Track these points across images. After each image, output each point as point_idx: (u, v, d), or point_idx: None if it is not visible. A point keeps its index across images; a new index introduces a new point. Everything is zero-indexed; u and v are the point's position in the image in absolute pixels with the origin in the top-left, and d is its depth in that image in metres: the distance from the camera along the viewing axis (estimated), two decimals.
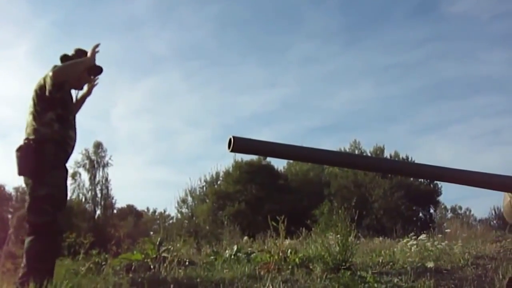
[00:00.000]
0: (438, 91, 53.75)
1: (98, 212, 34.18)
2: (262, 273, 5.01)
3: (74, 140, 4.61)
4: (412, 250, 6.96)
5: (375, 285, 4.04)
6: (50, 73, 4.33)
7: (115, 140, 57.84)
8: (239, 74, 56.78)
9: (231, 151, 1.94)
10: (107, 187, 35.51)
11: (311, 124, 56.14)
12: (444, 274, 5.36)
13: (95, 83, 4.95)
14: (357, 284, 4.17)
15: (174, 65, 58.68)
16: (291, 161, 37.48)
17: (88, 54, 4.56)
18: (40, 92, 4.42)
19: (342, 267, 5.32)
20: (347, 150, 34.38)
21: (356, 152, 33.91)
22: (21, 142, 4.37)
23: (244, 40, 58.07)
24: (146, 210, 45.60)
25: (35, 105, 4.41)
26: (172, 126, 57.58)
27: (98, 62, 4.63)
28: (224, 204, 27.44)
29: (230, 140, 1.86)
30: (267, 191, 27.45)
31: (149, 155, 59.84)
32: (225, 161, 41.02)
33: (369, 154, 33.16)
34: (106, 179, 35.64)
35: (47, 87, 4.34)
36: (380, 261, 6.07)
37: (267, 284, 3.88)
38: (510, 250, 7.11)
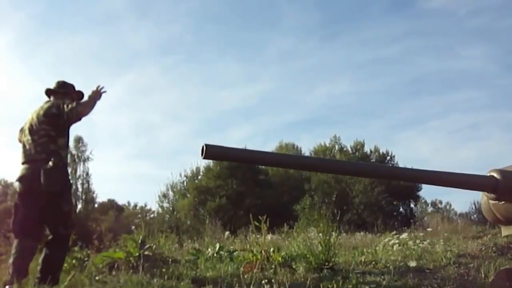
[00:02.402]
0: (417, 87, 54.14)
1: (79, 206, 33.93)
2: (245, 272, 5.00)
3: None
4: (394, 248, 6.99)
5: (358, 285, 4.05)
6: (76, 108, 4.96)
7: (95, 134, 57.41)
8: (218, 70, 56.76)
9: (204, 158, 2.07)
10: (88, 182, 35.32)
11: (291, 118, 56.35)
12: (426, 273, 5.39)
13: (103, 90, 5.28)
14: (340, 285, 4.17)
15: (152, 60, 58.54)
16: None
17: (94, 93, 5.12)
18: (54, 120, 5.03)
19: (325, 266, 5.32)
20: (327, 145, 34.49)
21: (336, 147, 34.04)
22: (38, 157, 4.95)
23: (221, 36, 58.14)
24: (127, 205, 45.40)
25: (47, 132, 5.00)
26: (151, 121, 57.45)
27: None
28: (205, 199, 27.36)
29: (202, 147, 1.97)
30: (248, 186, 27.42)
31: (129, 149, 59.70)
32: None
33: (349, 149, 33.29)
34: (87, 174, 35.45)
35: (71, 119, 5.02)
36: (363, 260, 6.08)
37: (251, 284, 3.87)
38: (492, 248, 7.17)
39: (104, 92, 5.22)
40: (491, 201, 3.20)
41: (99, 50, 58.58)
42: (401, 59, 53.82)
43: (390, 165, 31.55)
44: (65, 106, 5.02)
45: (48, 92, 5.45)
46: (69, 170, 5.58)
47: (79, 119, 5.09)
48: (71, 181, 5.45)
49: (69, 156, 5.59)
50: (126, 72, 60.77)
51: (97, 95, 5.14)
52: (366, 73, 55.30)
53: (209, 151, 2.04)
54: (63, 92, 5.40)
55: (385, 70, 55.00)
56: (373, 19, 54.93)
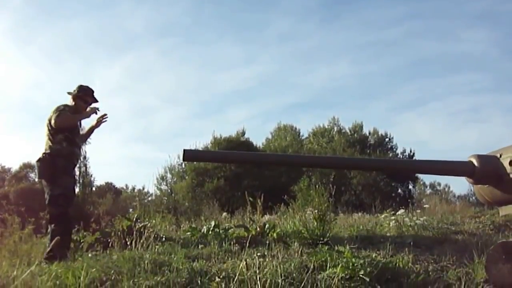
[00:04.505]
0: (417, 69, 53.90)
1: (77, 190, 33.81)
2: (238, 248, 4.95)
3: (79, 155, 6.49)
4: (391, 225, 6.93)
5: (353, 259, 3.99)
6: (53, 119, 5.88)
7: (92, 117, 57.16)
8: (216, 52, 56.44)
9: (184, 160, 2.55)
10: (85, 165, 35.16)
11: (290, 100, 56.17)
12: (422, 249, 5.35)
13: (105, 119, 6.36)
14: (334, 259, 4.12)
15: (149, 43, 58.27)
16: (269, 137, 37.50)
17: (87, 112, 6.21)
18: (51, 121, 5.93)
19: (320, 242, 5.28)
20: (326, 127, 34.34)
21: (335, 128, 33.92)
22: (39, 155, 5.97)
23: (220, 18, 57.82)
24: (125, 187, 45.30)
25: (49, 130, 5.97)
26: (149, 104, 57.25)
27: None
28: (203, 181, 27.30)
29: (183, 152, 2.35)
30: (246, 167, 27.35)
31: (127, 132, 59.37)
32: (204, 138, 40.82)
33: (348, 131, 33.17)
34: (85, 157, 35.29)
35: (53, 125, 5.89)
36: (358, 236, 6.04)
37: (243, 259, 3.82)
38: (489, 226, 7.13)
39: (104, 121, 6.34)
40: (474, 185, 3.22)
41: (96, 34, 58.32)
42: (402, 41, 53.51)
43: (389, 146, 31.62)
44: (57, 112, 5.95)
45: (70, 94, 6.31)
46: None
47: (59, 128, 5.92)
48: (73, 168, 6.28)
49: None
50: (124, 55, 60.58)
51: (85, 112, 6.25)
52: (367, 55, 55.08)
53: (188, 154, 2.41)
54: (77, 95, 6.25)
55: (385, 52, 54.72)
56: (374, 1, 54.61)
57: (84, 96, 6.28)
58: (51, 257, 5.30)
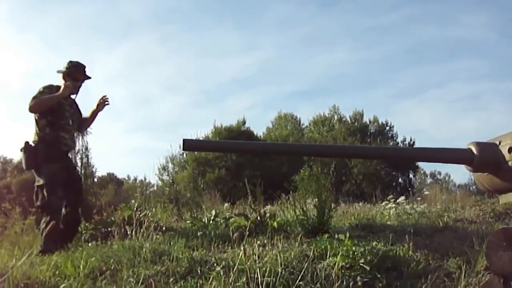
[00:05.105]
0: (417, 55, 53.94)
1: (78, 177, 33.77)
2: (239, 236, 4.94)
3: (68, 140, 5.90)
4: (391, 213, 6.93)
5: (353, 248, 3.99)
6: (28, 104, 5.59)
7: (92, 107, 57.12)
8: (216, 38, 56.55)
9: (183, 150, 2.65)
10: (87, 156, 35.12)
11: (290, 88, 56.42)
12: (423, 237, 5.34)
13: (106, 101, 6.11)
14: (334, 247, 4.11)
15: (149, 30, 58.40)
16: (270, 126, 37.46)
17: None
18: None
19: (321, 230, 5.27)
20: (326, 115, 34.33)
21: (335, 117, 33.90)
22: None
23: (219, 3, 57.47)
24: (126, 178, 45.32)
25: (34, 115, 5.70)
26: (150, 92, 57.32)
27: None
28: (204, 171, 27.30)
29: (182, 141, 2.38)
30: (247, 157, 27.34)
31: (128, 122, 59.52)
32: (205, 127, 40.86)
33: (348, 120, 33.13)
34: (86, 148, 35.23)
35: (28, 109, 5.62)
36: (359, 224, 6.03)
37: (243, 248, 3.81)
38: (489, 213, 7.12)
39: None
40: (473, 173, 3.19)
41: (95, 21, 58.24)
42: (400, 26, 53.59)
43: (390, 135, 31.59)
44: (37, 94, 5.68)
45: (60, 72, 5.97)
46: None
47: (36, 113, 5.70)
48: (62, 154, 5.91)
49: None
50: (123, 43, 60.48)
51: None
52: (366, 41, 55.17)
53: (187, 144, 2.43)
54: (67, 72, 5.91)
55: (384, 38, 54.84)
56: None
57: (75, 74, 5.94)
58: (41, 251, 5.25)
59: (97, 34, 59.57)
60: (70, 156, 6.29)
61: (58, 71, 5.94)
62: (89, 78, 6.05)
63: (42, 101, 5.62)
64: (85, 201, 7.69)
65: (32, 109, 5.63)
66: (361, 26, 54.30)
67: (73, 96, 6.12)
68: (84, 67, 6.00)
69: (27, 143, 5.64)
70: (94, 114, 6.23)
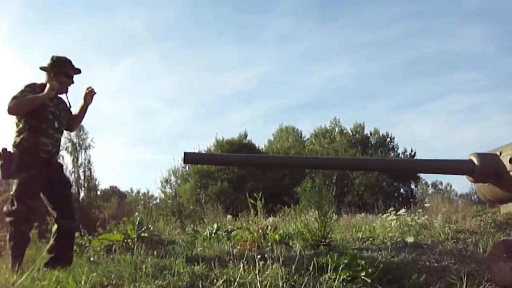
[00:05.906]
0: (417, 68, 54.14)
1: (82, 194, 33.90)
2: (240, 250, 4.95)
3: (49, 145, 5.14)
4: (392, 225, 6.93)
5: (355, 261, 3.99)
6: (7, 104, 4.92)
7: (96, 122, 57.38)
8: (216, 54, 56.80)
9: (184, 163, 2.67)
10: (90, 169, 35.20)
11: (290, 101, 56.44)
12: (424, 248, 5.34)
13: (93, 92, 5.47)
14: (336, 260, 4.11)
15: (150, 46, 58.72)
16: (271, 139, 37.50)
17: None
18: None
19: (322, 243, 5.28)
20: (327, 127, 34.38)
21: (336, 129, 33.94)
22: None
23: (219, 19, 58.08)
24: (129, 191, 45.42)
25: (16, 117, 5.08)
26: (151, 107, 57.44)
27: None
28: (207, 183, 27.35)
29: (184, 154, 2.46)
30: (249, 169, 27.38)
31: (130, 136, 59.68)
32: (207, 140, 40.96)
33: (349, 132, 33.18)
34: (89, 161, 35.33)
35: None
36: (360, 236, 6.04)
37: (245, 261, 3.82)
38: (490, 224, 7.12)
39: (94, 94, 5.45)
40: (475, 184, 3.21)
41: (96, 38, 58.48)
42: (400, 40, 53.79)
43: (390, 146, 31.61)
44: (18, 93, 5.01)
45: (43, 69, 5.34)
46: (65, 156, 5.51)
47: (15, 115, 5.07)
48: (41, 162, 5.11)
49: (66, 142, 5.57)
50: (124, 59, 60.71)
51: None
52: (365, 55, 55.48)
53: (188, 157, 2.53)
54: (54, 70, 5.28)
55: (384, 52, 55.05)
56: (371, 1, 54.69)
57: (65, 69, 5.32)
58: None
59: (98, 50, 59.90)
60: (56, 161, 5.47)
61: (41, 68, 5.32)
62: (80, 72, 5.46)
63: (24, 102, 4.97)
64: (88, 214, 7.58)
65: (10, 111, 4.96)
66: (360, 41, 54.75)
67: (63, 96, 5.50)
68: (71, 61, 5.37)
69: (4, 149, 4.97)
70: (84, 109, 5.54)
